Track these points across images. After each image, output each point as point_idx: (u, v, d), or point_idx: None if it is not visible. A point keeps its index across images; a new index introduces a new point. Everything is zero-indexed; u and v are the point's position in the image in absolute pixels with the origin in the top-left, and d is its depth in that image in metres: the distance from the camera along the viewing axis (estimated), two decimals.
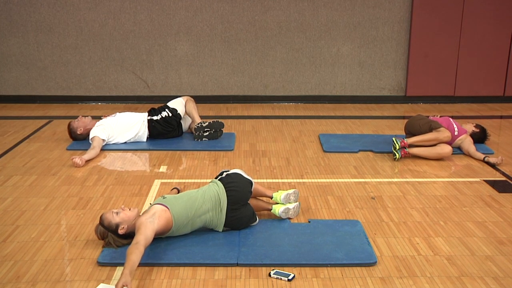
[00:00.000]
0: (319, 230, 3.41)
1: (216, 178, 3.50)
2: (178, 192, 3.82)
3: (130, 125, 5.21)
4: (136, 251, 2.78)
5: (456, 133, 5.00)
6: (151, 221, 3.01)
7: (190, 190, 3.45)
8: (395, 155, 4.79)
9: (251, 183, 3.46)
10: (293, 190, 3.64)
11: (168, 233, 3.17)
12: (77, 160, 4.60)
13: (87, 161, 4.72)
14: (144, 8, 6.86)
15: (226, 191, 3.32)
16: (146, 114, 5.33)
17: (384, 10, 6.91)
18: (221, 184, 3.37)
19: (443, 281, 2.89)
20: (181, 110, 5.35)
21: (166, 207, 3.13)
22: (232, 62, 7.10)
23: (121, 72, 7.09)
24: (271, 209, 3.55)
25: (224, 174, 3.49)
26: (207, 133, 5.28)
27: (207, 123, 5.28)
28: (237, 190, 3.34)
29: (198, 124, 5.27)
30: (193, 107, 5.40)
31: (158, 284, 2.85)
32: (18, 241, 3.31)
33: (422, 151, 4.84)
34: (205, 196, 3.29)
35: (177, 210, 3.15)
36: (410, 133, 5.03)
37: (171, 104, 5.39)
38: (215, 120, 5.36)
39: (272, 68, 7.12)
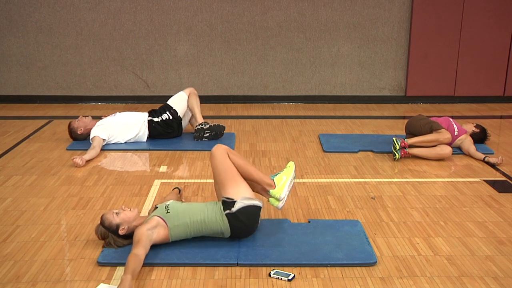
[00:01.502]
0: (319, 230, 3.40)
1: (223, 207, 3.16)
2: (179, 192, 3.80)
3: (130, 125, 5.21)
4: (136, 260, 2.81)
5: (456, 133, 5.00)
6: (151, 233, 3.02)
7: (195, 206, 3.21)
8: (395, 155, 4.79)
9: (260, 208, 3.21)
10: (290, 178, 3.28)
11: None
12: (78, 160, 4.60)
13: (88, 161, 4.72)
14: (144, 8, 6.86)
15: (231, 229, 3.14)
16: (147, 114, 5.32)
17: (384, 10, 6.91)
18: (227, 223, 3.11)
19: (443, 281, 2.89)
20: (182, 110, 5.33)
21: (167, 224, 3.10)
22: (232, 62, 7.10)
23: (121, 72, 7.09)
24: (268, 200, 3.35)
25: (233, 210, 3.12)
26: (207, 135, 5.27)
27: (208, 125, 5.26)
28: (245, 229, 3.18)
29: (199, 125, 5.26)
30: (195, 103, 5.36)
31: (158, 284, 2.85)
32: (18, 241, 3.31)
33: (422, 151, 4.84)
34: (208, 226, 3.13)
35: (177, 231, 3.11)
36: (410, 133, 5.03)
37: (172, 102, 5.36)
38: (216, 124, 5.33)
39: (272, 68, 7.12)
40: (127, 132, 5.20)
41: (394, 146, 4.80)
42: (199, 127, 5.26)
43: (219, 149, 3.23)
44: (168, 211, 3.14)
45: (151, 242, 3.01)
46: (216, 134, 5.29)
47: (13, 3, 6.78)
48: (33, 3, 6.80)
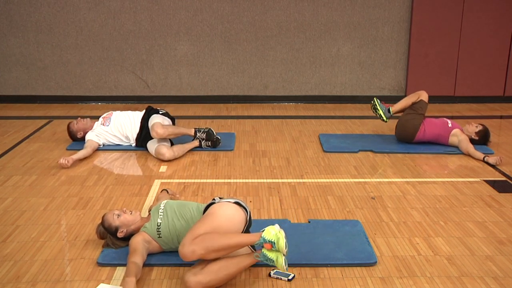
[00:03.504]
0: (319, 230, 3.41)
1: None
2: (168, 193, 3.76)
3: (123, 139, 5.13)
4: (136, 267, 2.82)
5: (449, 125, 5.10)
6: (147, 245, 3.03)
7: (186, 228, 3.01)
8: (377, 111, 5.22)
9: (247, 220, 3.00)
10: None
11: None
12: (62, 161, 4.54)
13: (76, 160, 4.66)
14: (144, 8, 6.86)
15: None
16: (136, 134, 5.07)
17: (384, 10, 6.91)
18: None
19: (443, 281, 2.89)
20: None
21: (160, 246, 3.09)
22: (232, 62, 7.10)
23: (121, 72, 7.09)
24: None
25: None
26: (208, 143, 5.13)
27: (203, 140, 5.07)
28: None
29: (195, 138, 5.07)
30: (175, 148, 4.91)
31: (158, 284, 2.85)
32: (18, 241, 3.31)
33: (403, 102, 5.28)
34: None
35: (170, 250, 3.10)
36: (401, 136, 5.25)
37: (151, 149, 4.93)
38: (217, 138, 5.12)
39: (272, 68, 7.12)
40: (121, 142, 5.14)
41: (374, 106, 5.22)
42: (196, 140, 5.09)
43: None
44: (160, 235, 3.06)
45: (148, 251, 3.03)
46: (214, 142, 5.09)
47: (13, 3, 6.78)
48: (33, 3, 6.79)
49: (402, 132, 5.21)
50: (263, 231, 2.77)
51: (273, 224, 3.43)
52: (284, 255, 2.74)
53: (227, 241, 2.73)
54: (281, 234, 2.74)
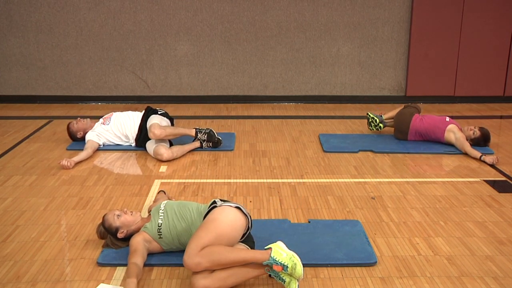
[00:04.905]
0: (319, 230, 3.41)
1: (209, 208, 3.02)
2: (165, 194, 3.76)
3: (123, 138, 5.13)
4: (138, 268, 2.82)
5: (447, 119, 5.17)
6: (147, 245, 3.03)
7: (187, 229, 3.02)
8: (370, 118, 5.50)
9: (248, 227, 2.99)
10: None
11: None
12: (65, 162, 4.55)
13: (77, 163, 4.67)
14: (144, 8, 6.86)
15: None
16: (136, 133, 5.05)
17: (384, 10, 6.91)
18: None
19: (443, 281, 2.89)
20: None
21: (161, 246, 3.09)
22: (232, 62, 7.10)
23: (121, 72, 7.09)
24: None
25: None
26: (209, 143, 5.11)
27: (204, 139, 5.06)
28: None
29: (196, 139, 5.07)
30: (176, 148, 4.89)
31: (158, 284, 2.85)
32: (18, 241, 3.31)
33: (394, 110, 5.53)
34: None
35: (171, 250, 3.10)
36: (398, 129, 5.38)
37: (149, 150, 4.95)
38: (218, 139, 5.11)
39: (272, 68, 7.12)
40: (120, 142, 5.14)
41: (367, 117, 5.51)
42: (197, 140, 5.07)
43: None
44: (161, 236, 3.06)
45: (148, 251, 3.03)
46: (215, 143, 5.08)
47: (13, 3, 6.78)
48: (33, 3, 6.80)
49: (399, 120, 5.34)
50: (269, 248, 2.75)
51: (272, 225, 3.45)
52: (298, 281, 2.72)
53: (234, 257, 2.73)
54: (297, 260, 2.70)
